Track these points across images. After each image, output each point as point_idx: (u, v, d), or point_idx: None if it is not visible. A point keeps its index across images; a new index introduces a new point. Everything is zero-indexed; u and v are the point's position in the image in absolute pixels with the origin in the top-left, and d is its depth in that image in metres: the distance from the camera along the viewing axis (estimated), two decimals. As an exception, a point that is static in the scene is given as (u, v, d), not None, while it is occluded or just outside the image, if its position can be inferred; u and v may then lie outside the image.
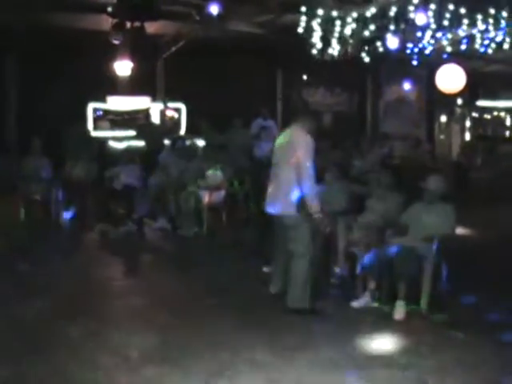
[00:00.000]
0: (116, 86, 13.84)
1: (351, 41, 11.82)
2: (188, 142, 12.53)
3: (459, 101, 19.57)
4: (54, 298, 6.58)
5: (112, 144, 13.37)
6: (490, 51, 12.22)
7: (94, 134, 13.66)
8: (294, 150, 6.16)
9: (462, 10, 10.18)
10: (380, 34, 11.48)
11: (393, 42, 11.37)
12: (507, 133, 20.77)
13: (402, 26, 10.80)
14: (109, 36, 11.91)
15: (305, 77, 17.30)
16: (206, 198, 10.21)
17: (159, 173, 10.95)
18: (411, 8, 10.34)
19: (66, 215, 10.49)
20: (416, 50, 12.56)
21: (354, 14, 11.19)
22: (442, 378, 4.87)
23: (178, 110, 15.08)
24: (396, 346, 5.51)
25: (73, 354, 5.16)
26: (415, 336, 5.71)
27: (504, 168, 14.60)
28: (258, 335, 5.67)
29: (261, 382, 4.76)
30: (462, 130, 20.30)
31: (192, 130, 14.15)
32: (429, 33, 11.16)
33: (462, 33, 11.22)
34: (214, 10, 11.11)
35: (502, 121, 21.03)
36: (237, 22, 12.92)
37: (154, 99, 14.75)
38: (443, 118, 20.41)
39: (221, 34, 13.08)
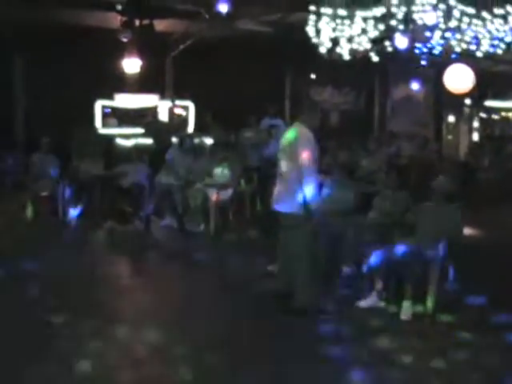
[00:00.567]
0: (124, 84, 13.87)
1: (359, 40, 11.80)
2: (196, 140, 12.53)
3: (467, 101, 19.51)
4: (61, 295, 6.60)
5: (120, 141, 13.40)
6: (498, 51, 12.18)
7: (102, 131, 13.70)
8: (296, 148, 6.17)
9: (471, 10, 10.16)
10: (389, 34, 11.46)
11: (401, 42, 11.34)
12: (515, 133, 20.70)
13: (411, 26, 10.78)
14: (117, 34, 11.95)
15: (313, 75, 17.28)
16: (213, 196, 10.21)
17: (167, 171, 10.95)
18: (419, 8, 10.32)
19: (74, 213, 10.50)
20: (425, 49, 12.52)
21: (363, 14, 11.18)
22: (448, 378, 4.87)
23: (186, 108, 15.10)
24: (402, 346, 5.49)
25: (80, 351, 5.18)
26: (422, 336, 5.70)
27: (512, 168, 14.57)
28: (262, 334, 5.69)
29: (265, 380, 4.77)
30: (470, 130, 20.24)
31: (200, 128, 14.17)
32: (438, 33, 11.13)
33: (470, 33, 11.19)
34: (223, 8, 11.12)
35: (510, 121, 20.96)
36: (245, 20, 12.95)
37: (163, 97, 14.77)
38: (451, 118, 20.35)
39: (229, 33, 13.10)
